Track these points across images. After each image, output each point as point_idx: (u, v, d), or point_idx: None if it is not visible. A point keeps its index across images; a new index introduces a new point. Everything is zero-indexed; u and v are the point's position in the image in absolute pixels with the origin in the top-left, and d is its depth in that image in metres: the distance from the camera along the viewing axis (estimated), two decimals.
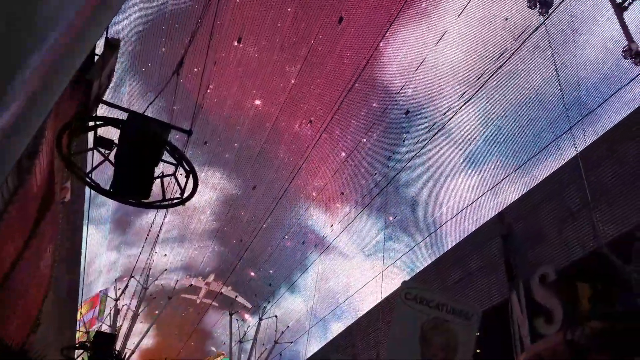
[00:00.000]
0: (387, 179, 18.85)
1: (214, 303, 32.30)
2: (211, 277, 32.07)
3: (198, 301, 33.76)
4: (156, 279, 29.50)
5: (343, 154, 20.03)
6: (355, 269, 23.74)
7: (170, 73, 12.91)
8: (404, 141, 18.30)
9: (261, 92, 19.09)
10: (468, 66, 15.00)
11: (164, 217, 22.38)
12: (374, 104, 17.83)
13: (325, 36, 16.16)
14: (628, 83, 10.27)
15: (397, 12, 13.19)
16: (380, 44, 15.52)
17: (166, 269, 30.33)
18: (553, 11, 9.00)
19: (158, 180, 8.90)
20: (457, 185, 18.26)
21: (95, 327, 28.09)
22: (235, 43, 16.95)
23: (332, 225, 23.00)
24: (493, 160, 16.74)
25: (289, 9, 15.74)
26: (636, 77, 9.56)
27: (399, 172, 18.63)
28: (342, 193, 21.60)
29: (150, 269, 27.59)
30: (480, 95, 14.96)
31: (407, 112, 17.43)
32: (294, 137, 20.30)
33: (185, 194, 9.26)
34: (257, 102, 19.47)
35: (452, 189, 18.52)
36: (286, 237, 25.49)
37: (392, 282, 17.13)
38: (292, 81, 18.09)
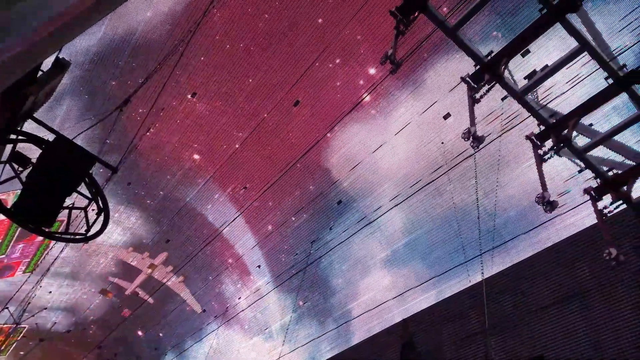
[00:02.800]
0: (307, 262, 18.75)
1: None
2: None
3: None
4: (33, 315, 26.08)
5: (270, 227, 19.84)
6: (252, 349, 22.48)
7: (113, 106, 12.54)
8: (330, 229, 18.58)
9: (202, 148, 18.92)
10: (402, 174, 15.99)
11: (62, 250, 20.40)
12: (310, 187, 18.20)
13: (279, 113, 16.70)
14: (537, 226, 11.42)
15: (349, 111, 14.09)
16: (328, 134, 16.25)
17: (46, 308, 27.01)
18: (484, 147, 10.03)
19: (66, 211, 8.25)
20: (372, 283, 18.50)
21: None
22: (189, 96, 17.01)
23: (239, 298, 22.03)
24: (408, 266, 17.31)
25: (250, 80, 16.26)
26: (545, 222, 10.65)
27: (319, 258, 18.65)
28: (259, 266, 21.06)
29: (29, 303, 24.42)
30: (408, 202, 15.82)
31: (340, 202, 17.91)
32: (224, 199, 19.94)
33: (91, 232, 8.62)
34: (196, 156, 19.19)
35: (366, 285, 18.71)
36: (187, 301, 23.94)
37: None
38: (237, 146, 18.18)
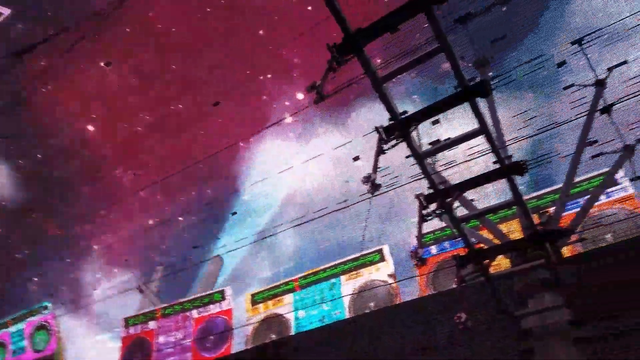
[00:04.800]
0: (182, 267, 17.93)
1: None
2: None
3: None
4: None
5: (150, 222, 18.72)
6: (94, 346, 20.60)
7: (14, 49, 11.21)
8: (218, 239, 18.11)
9: (102, 121, 17.55)
10: (303, 200, 16.25)
11: None
12: (208, 191, 17.67)
13: (196, 109, 16.17)
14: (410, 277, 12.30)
15: (268, 126, 14.12)
16: (242, 143, 16.06)
17: None
18: (379, 194, 10.61)
19: None
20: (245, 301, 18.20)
21: None
22: (102, 64, 15.81)
23: (95, 289, 20.18)
24: None
25: (174, 67, 15.63)
26: (413, 277, 11.44)
27: (196, 264, 17.96)
28: (126, 259, 19.60)
29: None
30: (302, 229, 16.00)
31: (235, 213, 17.60)
32: (107, 180, 18.49)
33: None
34: (91, 127, 17.71)
35: (238, 303, 18.34)
36: (35, 279, 21.41)
37: None
38: (139, 128, 17.16)
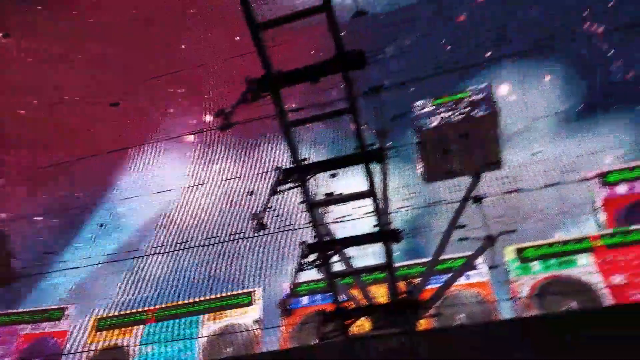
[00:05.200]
0: (41, 271, 15.73)
1: None
2: None
3: None
4: None
5: (3, 216, 16.30)
6: None
7: None
8: (76, 248, 16.35)
9: None
10: (180, 225, 15.45)
11: None
12: (79, 194, 16.05)
13: (94, 101, 14.95)
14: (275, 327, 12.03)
15: (163, 139, 13.52)
16: (133, 151, 15.04)
17: None
18: (264, 235, 10.45)
19: None
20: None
21: None
22: (0, 34, 14.18)
23: None
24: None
25: (80, 56, 14.49)
26: (275, 327, 11.20)
27: (46, 273, 15.88)
28: None
29: None
30: (171, 256, 15.09)
31: (102, 225, 16.11)
32: None
33: None
34: None
35: (80, 326, 16.39)
36: None
37: None
38: (22, 111, 15.33)
